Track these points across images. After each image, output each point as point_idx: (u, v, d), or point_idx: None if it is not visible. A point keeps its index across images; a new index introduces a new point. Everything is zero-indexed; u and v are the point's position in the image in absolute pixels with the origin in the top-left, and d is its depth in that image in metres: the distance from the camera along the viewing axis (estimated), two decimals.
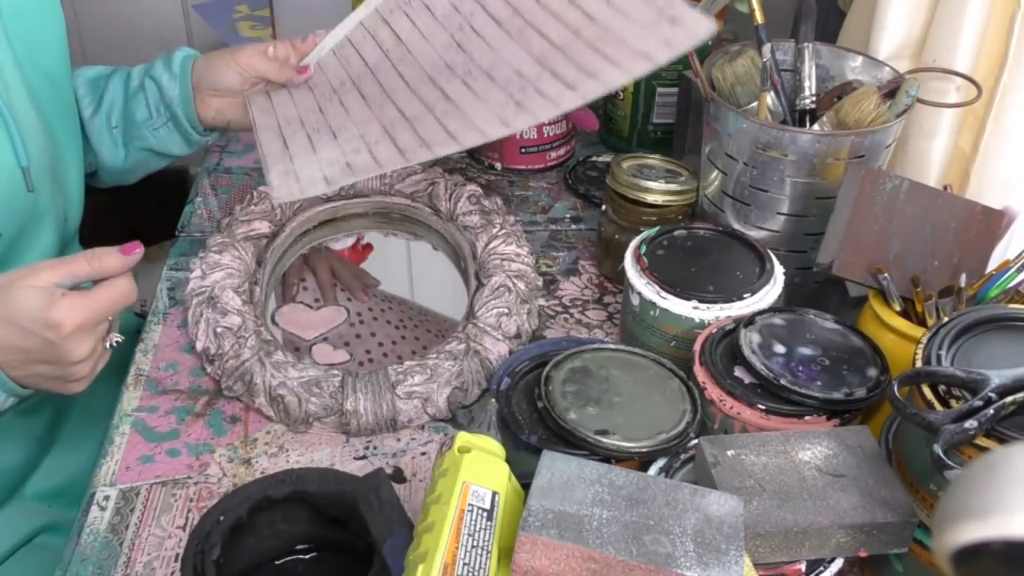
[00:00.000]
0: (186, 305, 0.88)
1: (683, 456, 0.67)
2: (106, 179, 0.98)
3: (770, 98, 0.88)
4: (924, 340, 0.62)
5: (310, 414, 0.79)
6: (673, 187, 0.92)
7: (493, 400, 0.67)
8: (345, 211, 1.01)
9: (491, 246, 0.92)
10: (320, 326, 0.93)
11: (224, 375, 0.82)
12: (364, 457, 0.79)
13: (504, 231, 0.94)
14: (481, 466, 0.58)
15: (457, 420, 0.82)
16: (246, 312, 0.84)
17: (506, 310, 0.86)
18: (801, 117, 0.89)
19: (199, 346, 0.85)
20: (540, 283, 0.94)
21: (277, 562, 0.67)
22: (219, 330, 0.83)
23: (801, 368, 0.70)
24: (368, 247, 1.04)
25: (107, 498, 0.75)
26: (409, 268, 1.03)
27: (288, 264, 0.98)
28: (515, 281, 0.89)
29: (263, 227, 0.94)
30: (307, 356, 0.85)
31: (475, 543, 0.54)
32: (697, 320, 0.77)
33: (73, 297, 0.68)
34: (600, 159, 1.16)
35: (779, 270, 0.81)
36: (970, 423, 0.56)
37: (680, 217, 0.93)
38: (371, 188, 1.00)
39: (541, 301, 0.95)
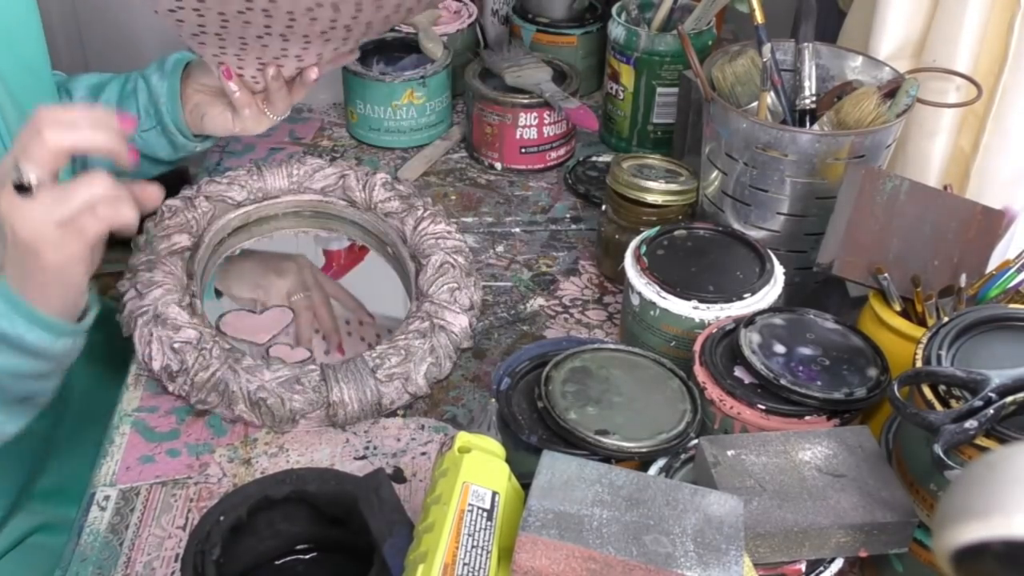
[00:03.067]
0: (129, 328, 0.84)
1: (683, 456, 0.67)
2: None
3: (770, 98, 0.88)
4: (924, 340, 0.62)
5: (295, 411, 0.79)
6: (673, 187, 0.92)
7: (493, 400, 0.67)
8: (257, 215, 0.99)
9: (420, 228, 0.94)
10: (270, 328, 0.93)
11: (194, 389, 0.80)
12: (364, 457, 0.79)
13: (429, 212, 0.96)
14: (481, 466, 0.58)
15: (457, 420, 0.82)
16: (198, 324, 0.83)
17: (456, 284, 0.89)
18: (801, 117, 0.89)
19: (156, 365, 0.82)
20: (471, 256, 0.96)
21: (277, 562, 0.67)
22: (177, 345, 0.81)
23: (801, 368, 0.70)
24: (364, 248, 1.04)
25: (107, 498, 0.75)
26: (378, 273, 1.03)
27: (212, 273, 0.97)
28: (455, 257, 0.91)
29: (184, 240, 0.91)
30: (275, 359, 0.85)
31: (475, 543, 0.54)
32: (697, 320, 0.77)
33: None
34: (600, 159, 1.16)
35: (779, 270, 0.81)
36: (970, 423, 0.56)
37: (680, 217, 0.93)
38: (280, 189, 0.98)
39: (541, 301, 0.95)
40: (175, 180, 1.02)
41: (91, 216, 0.67)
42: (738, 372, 0.71)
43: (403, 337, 0.84)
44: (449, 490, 0.56)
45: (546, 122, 1.11)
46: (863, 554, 0.60)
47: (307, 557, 0.67)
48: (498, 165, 1.15)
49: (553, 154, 1.14)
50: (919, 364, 0.61)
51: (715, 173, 0.88)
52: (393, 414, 0.83)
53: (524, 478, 0.59)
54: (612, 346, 0.76)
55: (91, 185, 0.67)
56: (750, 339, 0.72)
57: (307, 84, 0.90)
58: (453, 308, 0.87)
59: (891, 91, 0.85)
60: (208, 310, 0.88)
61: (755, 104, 0.89)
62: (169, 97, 0.91)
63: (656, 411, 0.70)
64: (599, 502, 0.55)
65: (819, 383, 0.69)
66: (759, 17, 0.88)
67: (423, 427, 0.82)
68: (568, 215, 1.08)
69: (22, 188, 0.65)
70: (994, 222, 0.77)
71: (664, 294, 0.78)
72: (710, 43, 1.11)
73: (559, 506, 0.54)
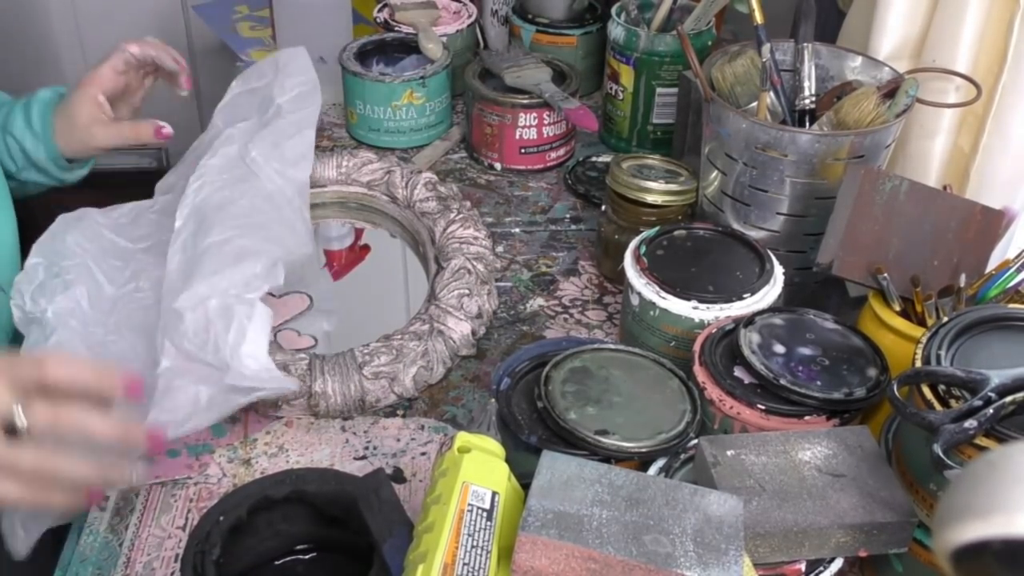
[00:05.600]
0: None
1: (683, 456, 0.67)
2: None
3: (770, 98, 0.88)
4: (924, 340, 0.62)
5: (279, 397, 0.80)
6: (673, 187, 0.92)
7: (493, 400, 0.67)
8: None
9: (449, 230, 0.95)
10: (284, 313, 0.94)
11: None
12: (364, 457, 0.79)
13: (461, 215, 0.96)
14: (481, 466, 0.58)
15: (457, 420, 0.82)
16: None
17: (467, 291, 0.88)
18: (801, 117, 0.89)
19: None
20: (498, 264, 0.97)
21: (277, 562, 0.67)
22: None
23: (801, 368, 0.70)
24: (366, 248, 1.04)
25: (107, 498, 0.75)
26: (405, 271, 1.03)
27: None
28: (474, 263, 0.91)
29: None
30: (273, 342, 0.85)
31: (475, 543, 0.54)
32: (697, 320, 0.77)
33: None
34: (600, 159, 1.16)
35: (779, 270, 0.81)
36: (970, 423, 0.56)
37: (680, 217, 0.93)
38: (328, 178, 1.02)
39: (541, 301, 0.95)
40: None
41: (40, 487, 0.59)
42: (738, 372, 0.71)
43: (399, 337, 0.84)
44: (449, 490, 0.56)
45: (546, 122, 1.11)
46: (863, 554, 0.60)
47: (307, 557, 0.67)
48: (498, 165, 1.15)
49: (553, 154, 1.14)
50: (919, 364, 0.61)
51: (715, 173, 0.88)
52: (392, 414, 0.83)
53: (524, 478, 0.59)
54: (612, 346, 0.76)
55: (74, 468, 0.60)
56: (750, 339, 0.72)
57: None
58: (458, 314, 0.87)
59: (891, 91, 0.85)
60: None
61: (755, 104, 0.89)
62: (49, 158, 0.91)
63: (656, 411, 0.70)
64: (599, 502, 0.55)
65: (819, 383, 0.69)
66: (759, 17, 0.88)
67: (423, 427, 0.82)
68: (568, 215, 1.08)
69: (14, 429, 0.58)
70: (993, 222, 0.77)
71: (664, 294, 0.78)
72: (710, 43, 1.11)
73: (559, 506, 0.54)
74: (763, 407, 0.68)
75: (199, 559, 0.59)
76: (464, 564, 0.53)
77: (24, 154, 0.91)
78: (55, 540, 0.73)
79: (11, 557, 0.76)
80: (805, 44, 0.89)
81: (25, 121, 0.91)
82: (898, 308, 0.74)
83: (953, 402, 0.58)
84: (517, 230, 1.06)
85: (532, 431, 0.68)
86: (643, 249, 0.82)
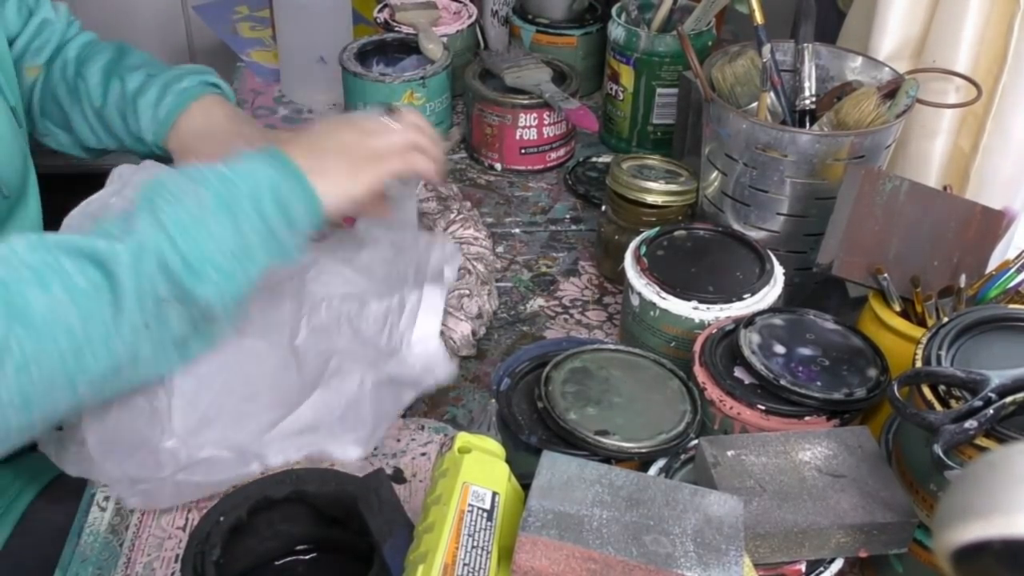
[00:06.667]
0: None
1: (683, 456, 0.67)
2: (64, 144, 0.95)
3: (770, 98, 0.88)
4: (924, 340, 0.62)
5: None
6: (673, 187, 0.92)
7: (493, 400, 0.67)
8: None
9: (449, 231, 0.94)
10: None
11: None
12: (364, 457, 0.79)
13: (462, 216, 0.96)
14: (481, 466, 0.58)
15: (457, 420, 0.82)
16: None
17: (467, 291, 0.88)
18: (801, 117, 0.89)
19: None
20: (499, 265, 0.97)
21: (277, 563, 0.67)
22: None
23: (801, 368, 0.70)
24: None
25: (107, 499, 0.75)
26: None
27: None
28: (475, 264, 0.91)
29: None
30: None
31: (475, 543, 0.54)
32: (697, 320, 0.77)
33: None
34: (600, 159, 1.16)
35: (779, 270, 0.81)
36: (970, 423, 0.56)
37: (680, 217, 0.93)
38: None
39: (541, 301, 0.95)
40: None
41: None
42: (738, 372, 0.71)
43: None
44: (449, 490, 0.56)
45: (546, 123, 1.11)
46: (863, 554, 0.60)
47: (307, 558, 0.67)
48: (498, 166, 1.15)
49: (553, 155, 1.14)
50: (919, 364, 0.61)
51: (715, 174, 0.88)
52: None
53: (524, 478, 0.59)
54: (612, 346, 0.76)
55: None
56: (750, 339, 0.72)
57: None
58: (458, 315, 0.86)
59: (891, 91, 0.85)
60: None
61: (755, 105, 0.89)
62: (155, 143, 0.90)
63: (656, 411, 0.70)
64: (599, 502, 0.55)
65: (819, 383, 0.69)
66: (759, 18, 0.88)
67: (423, 427, 0.82)
68: (568, 216, 1.08)
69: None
70: (994, 222, 0.77)
71: (664, 295, 0.78)
72: (710, 44, 1.11)
73: (559, 506, 0.54)
74: (763, 407, 0.68)
75: (199, 559, 0.59)
76: (464, 564, 0.53)
77: (125, 123, 0.90)
78: (55, 540, 0.73)
79: (11, 558, 0.76)
80: (805, 44, 0.89)
81: (157, 99, 0.89)
82: (898, 308, 0.74)
83: (953, 402, 0.58)
84: (517, 230, 1.06)
85: (532, 431, 0.68)
86: (643, 249, 0.82)
